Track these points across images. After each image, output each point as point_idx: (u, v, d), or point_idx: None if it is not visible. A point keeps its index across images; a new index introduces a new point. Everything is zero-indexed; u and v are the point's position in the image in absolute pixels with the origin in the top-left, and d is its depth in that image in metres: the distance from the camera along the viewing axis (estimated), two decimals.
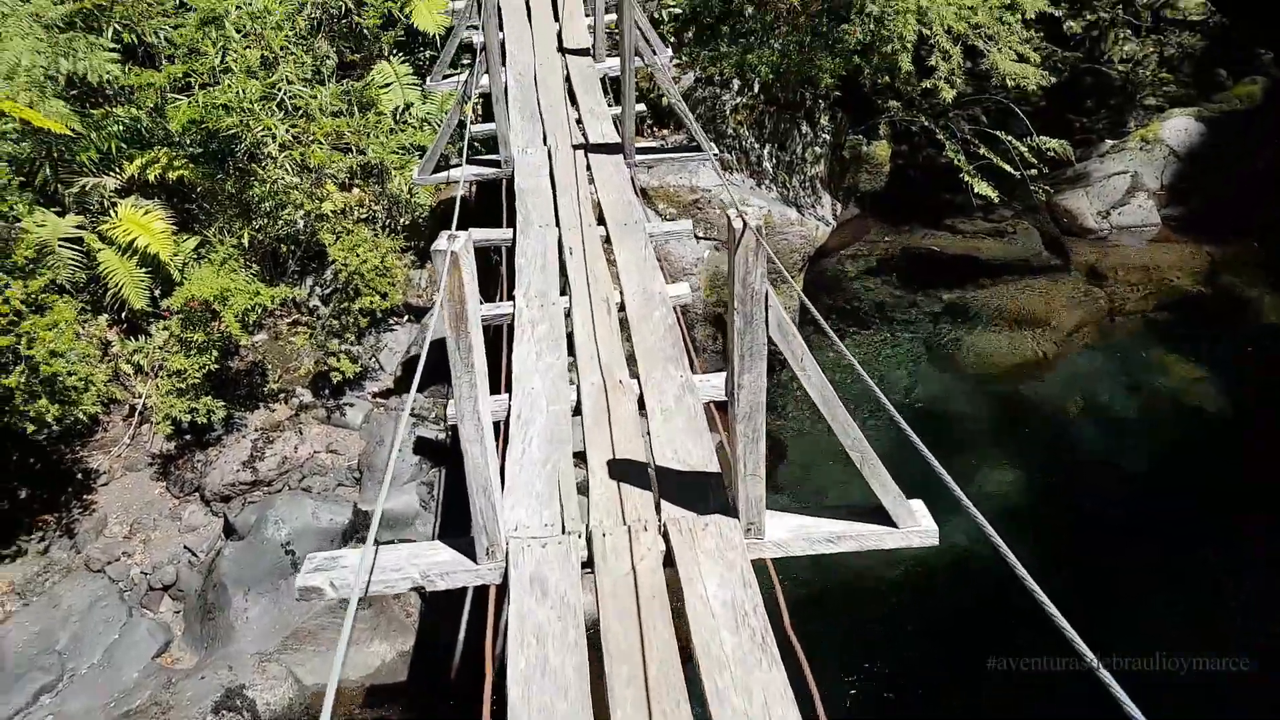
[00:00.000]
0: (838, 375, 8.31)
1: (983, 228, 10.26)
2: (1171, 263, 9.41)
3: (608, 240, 5.50)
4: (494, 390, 4.02)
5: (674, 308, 4.77)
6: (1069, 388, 8.22)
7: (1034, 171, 8.77)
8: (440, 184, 6.48)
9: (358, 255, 6.27)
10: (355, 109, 6.88)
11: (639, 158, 6.52)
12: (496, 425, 3.74)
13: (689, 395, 3.95)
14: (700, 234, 7.73)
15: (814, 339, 8.49)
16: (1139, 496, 6.84)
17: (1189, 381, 8.12)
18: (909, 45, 7.42)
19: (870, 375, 7.99)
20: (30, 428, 5.12)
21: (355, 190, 7.01)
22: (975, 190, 8.33)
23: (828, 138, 8.54)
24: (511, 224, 5.59)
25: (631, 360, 4.36)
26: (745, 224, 2.81)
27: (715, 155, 6.59)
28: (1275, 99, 11.65)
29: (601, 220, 5.66)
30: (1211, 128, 10.75)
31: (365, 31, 6.98)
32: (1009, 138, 8.72)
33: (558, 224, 5.52)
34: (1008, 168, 8.48)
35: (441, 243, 2.70)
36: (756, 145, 8.10)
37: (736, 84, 8.02)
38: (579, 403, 4.00)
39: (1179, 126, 10.70)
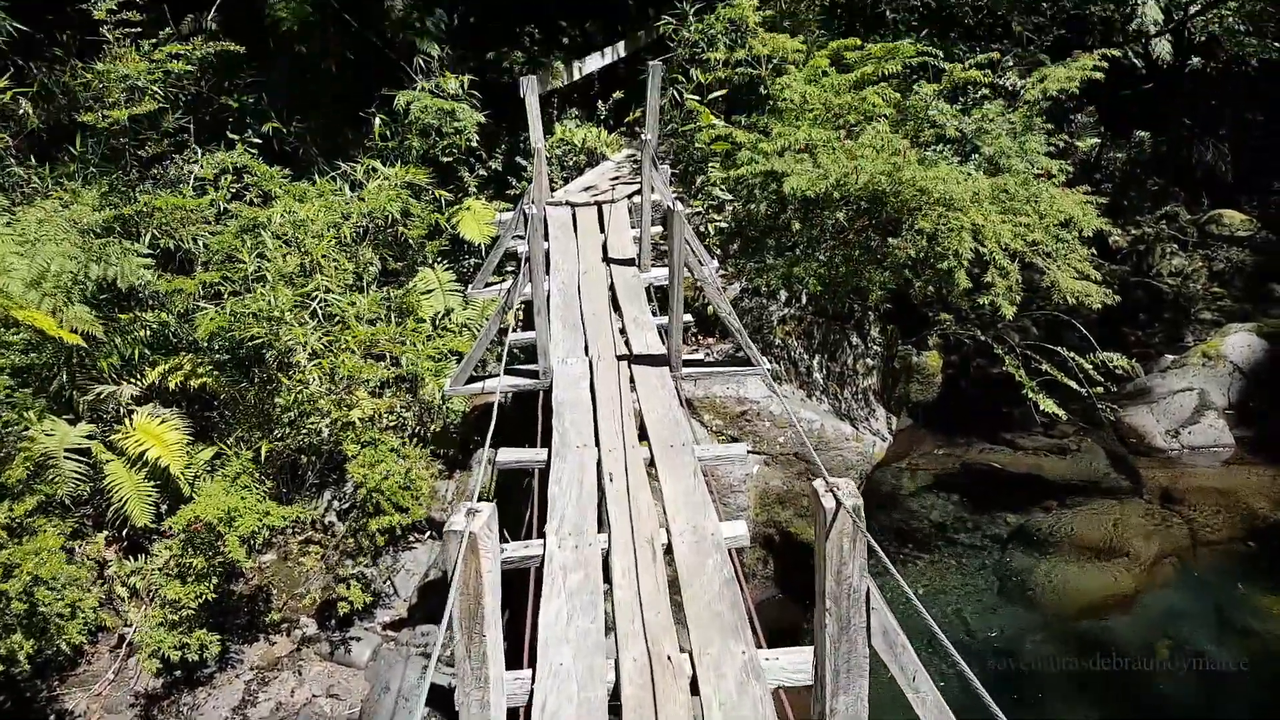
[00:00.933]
0: (901, 606, 7.44)
1: (1044, 444, 9.55)
2: (1252, 488, 8.56)
3: (652, 463, 4.91)
4: (512, 660, 3.29)
5: (730, 552, 4.08)
6: (1155, 628, 7.21)
7: (1100, 389, 8.15)
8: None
9: (379, 472, 5.71)
10: (394, 315, 6.55)
11: (686, 371, 6.04)
12: (514, 714, 2.99)
13: (754, 682, 3.18)
14: (749, 447, 7.12)
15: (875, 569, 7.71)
16: None
17: None
18: (965, 262, 7.04)
19: (942, 607, 7.07)
20: None
21: (386, 396, 6.57)
22: (1041, 407, 7.71)
23: (879, 349, 8.07)
24: (546, 443, 5.04)
25: (681, 622, 3.62)
26: (839, 503, 2.16)
27: (767, 369, 6.08)
28: None
29: (644, 436, 5.10)
30: (1274, 344, 10.18)
31: (410, 241, 6.79)
32: (1070, 353, 8.17)
33: (597, 444, 4.95)
34: (1072, 384, 7.88)
35: (458, 519, 2.10)
36: (805, 356, 7.63)
37: (784, 295, 7.66)
38: (617, 685, 3.24)
39: (1242, 343, 10.13)
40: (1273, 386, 9.92)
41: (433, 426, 6.62)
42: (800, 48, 8.55)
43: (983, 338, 8.26)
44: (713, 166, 7.96)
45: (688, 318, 6.96)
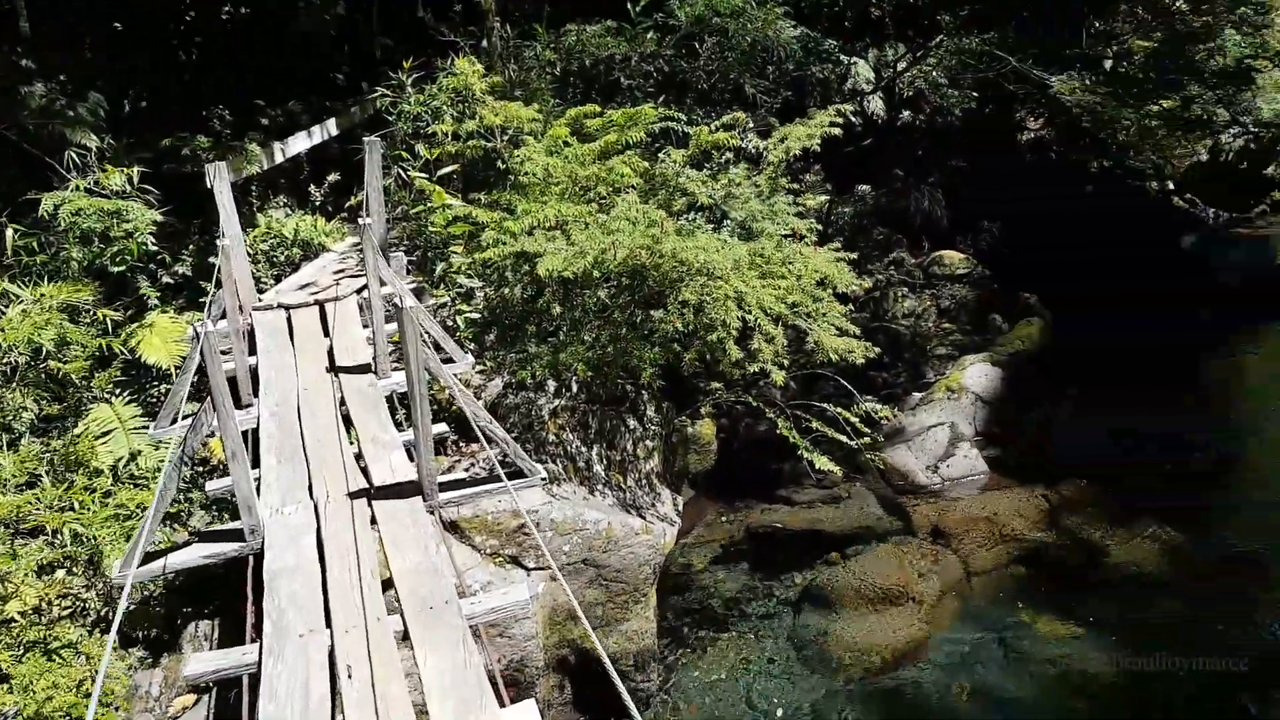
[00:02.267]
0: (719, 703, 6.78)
1: (817, 495, 9.34)
2: (1010, 510, 8.76)
3: (406, 635, 3.80)
4: None
5: None
6: (950, 671, 7.04)
7: (866, 439, 7.98)
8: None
9: (43, 686, 4.15)
10: (58, 471, 4.96)
11: (445, 497, 4.99)
12: None
13: None
14: (531, 564, 6.14)
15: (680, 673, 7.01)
16: None
17: (1063, 640, 7.19)
18: (733, 331, 6.55)
19: (747, 686, 6.39)
20: None
21: (58, 576, 4.95)
22: (816, 465, 7.34)
23: (656, 428, 7.42)
24: (258, 632, 3.78)
25: None
26: None
27: (542, 478, 5.16)
28: (1049, 336, 12.03)
29: (398, 600, 3.99)
30: (1007, 370, 10.72)
31: (72, 377, 5.23)
32: (835, 408, 7.95)
33: (329, 624, 3.77)
34: (842, 437, 7.62)
35: None
36: (584, 448, 6.81)
37: (552, 385, 6.82)
38: None
39: (978, 373, 10.57)
40: (1010, 410, 10.40)
41: (126, 605, 5.08)
42: (536, 116, 7.87)
43: (753, 403, 7.84)
44: (454, 251, 7.01)
45: (441, 428, 5.90)
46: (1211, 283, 13.99)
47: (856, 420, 8.31)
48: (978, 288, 12.58)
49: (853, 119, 10.09)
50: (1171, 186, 17.13)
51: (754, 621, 7.74)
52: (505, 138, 8.23)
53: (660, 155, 8.08)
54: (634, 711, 2.56)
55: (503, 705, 3.45)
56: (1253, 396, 11.13)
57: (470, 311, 6.88)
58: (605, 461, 6.97)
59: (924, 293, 12.66)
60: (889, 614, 7.54)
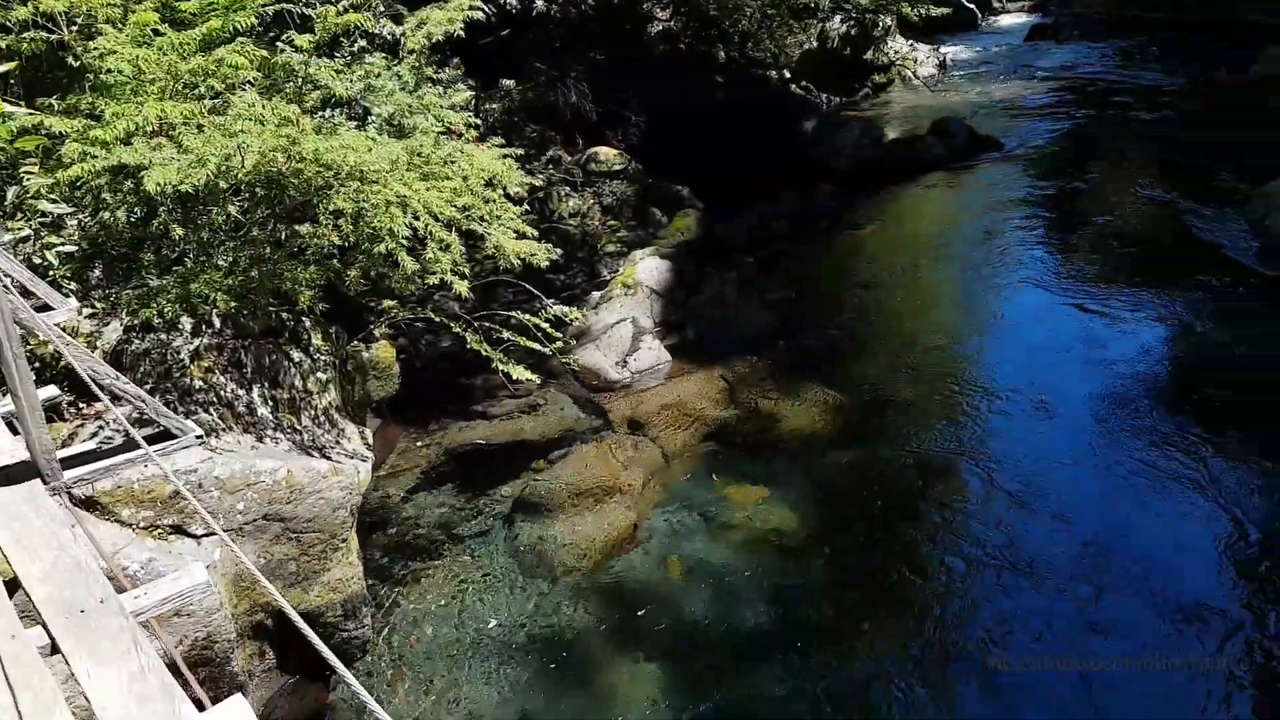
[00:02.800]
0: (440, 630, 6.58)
1: (514, 406, 9.32)
2: (695, 393, 9.38)
3: (54, 648, 3.10)
4: None
5: None
6: (661, 550, 7.47)
7: (559, 344, 8.02)
8: None
9: None
10: None
11: (70, 475, 4.12)
12: None
13: None
14: (200, 531, 5.38)
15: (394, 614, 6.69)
16: (746, 647, 6.31)
17: (755, 504, 7.91)
18: (403, 241, 6.11)
19: (471, 610, 6.31)
20: None
21: None
22: (515, 377, 7.24)
23: (327, 358, 6.79)
24: None
25: None
26: None
27: (196, 435, 4.47)
28: (703, 224, 12.93)
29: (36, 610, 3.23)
30: (673, 261, 11.36)
31: None
32: (525, 315, 7.87)
33: None
34: (535, 345, 7.58)
35: None
36: (241, 391, 6.02)
37: (188, 322, 5.88)
38: None
39: (648, 267, 11.08)
40: (681, 298, 11.09)
41: None
42: (115, 1, 6.55)
43: (435, 318, 7.49)
44: (28, 171, 5.68)
45: (51, 390, 4.86)
46: (827, 165, 15.88)
47: (546, 325, 8.32)
48: (634, 183, 13.10)
49: (486, 9, 9.74)
50: (789, 75, 19.01)
51: (466, 543, 7.59)
52: (74, 28, 6.78)
53: (279, 44, 7.17)
54: (336, 664, 2.33)
55: (202, 708, 2.96)
56: (875, 262, 12.92)
57: (62, 244, 5.67)
58: (271, 403, 6.25)
59: (585, 191, 12.92)
60: (600, 509, 7.79)
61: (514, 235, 6.97)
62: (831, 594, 6.81)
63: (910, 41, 23.57)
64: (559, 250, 7.20)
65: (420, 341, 9.56)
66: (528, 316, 7.99)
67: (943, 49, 24.24)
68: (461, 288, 6.40)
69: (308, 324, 6.53)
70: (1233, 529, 6.90)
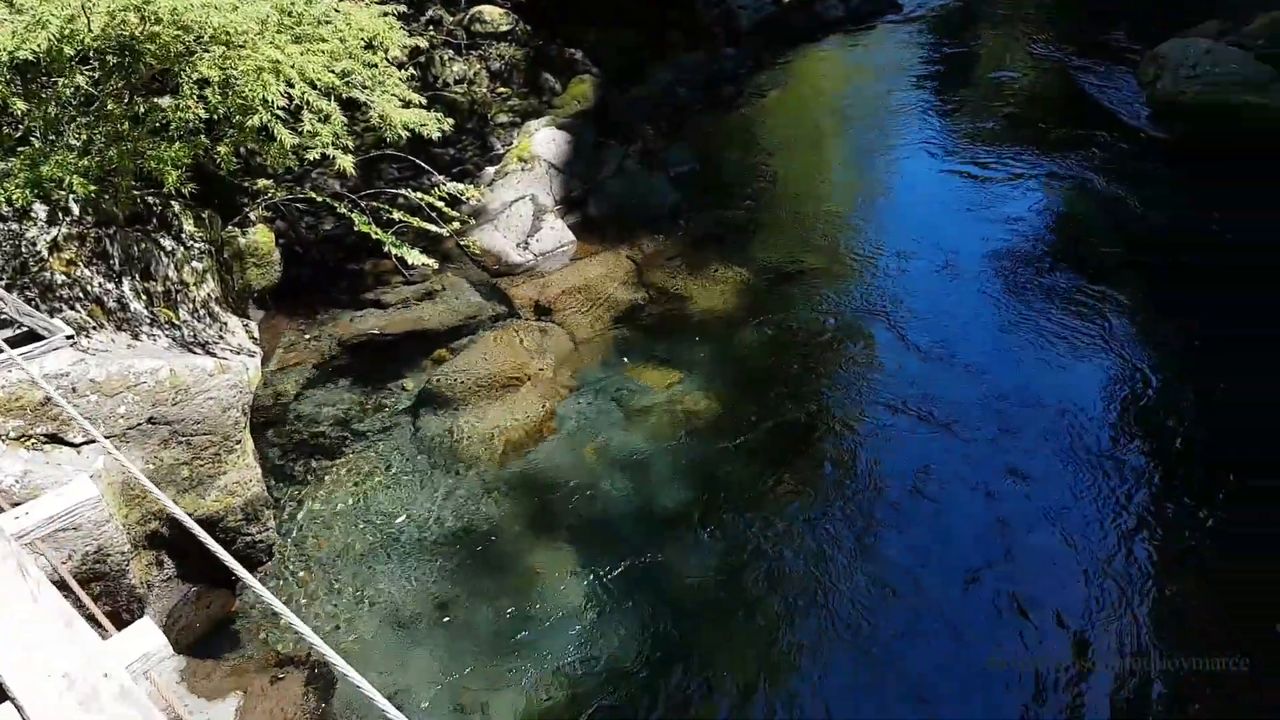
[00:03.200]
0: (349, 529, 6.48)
1: (409, 293, 9.00)
2: (601, 275, 9.25)
3: None
4: None
5: (150, 680, 2.51)
6: (576, 436, 7.47)
7: (456, 224, 7.71)
8: None
9: None
10: None
11: None
12: None
13: None
14: (78, 439, 5.06)
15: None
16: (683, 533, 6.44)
17: (666, 386, 7.97)
18: (277, 112, 5.64)
19: (376, 509, 6.26)
20: None
21: None
22: (409, 261, 6.94)
23: (202, 246, 6.33)
24: None
25: None
26: None
27: (66, 334, 4.12)
28: (601, 92, 12.47)
29: None
30: (571, 132, 10.96)
31: None
32: (417, 193, 7.49)
33: None
34: (431, 227, 7.25)
35: None
36: (110, 285, 5.56)
37: (42, 210, 5.34)
38: None
39: (546, 139, 10.66)
40: (582, 172, 10.77)
41: None
42: None
43: (317, 198, 7.04)
44: None
45: None
46: (728, 26, 15.48)
47: (441, 204, 7.98)
48: (524, 46, 12.46)
49: None
50: None
51: (369, 439, 7.42)
52: None
53: None
54: (239, 570, 2.31)
55: (106, 636, 2.80)
56: (777, 129, 12.83)
57: None
58: (145, 296, 5.81)
59: (470, 55, 12.22)
60: (510, 398, 7.71)
61: (400, 104, 6.53)
62: (747, 463, 6.93)
63: None
64: (449, 120, 6.79)
65: (300, 224, 9.02)
66: (419, 195, 7.62)
67: None
68: (345, 163, 5.99)
69: (177, 208, 6.04)
70: (1128, 378, 7.35)
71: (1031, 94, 13.03)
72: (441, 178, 9.63)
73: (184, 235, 6.00)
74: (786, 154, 11.86)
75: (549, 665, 5.49)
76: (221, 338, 6.06)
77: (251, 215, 7.40)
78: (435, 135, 6.81)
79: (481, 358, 8.06)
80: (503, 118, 11.60)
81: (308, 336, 8.28)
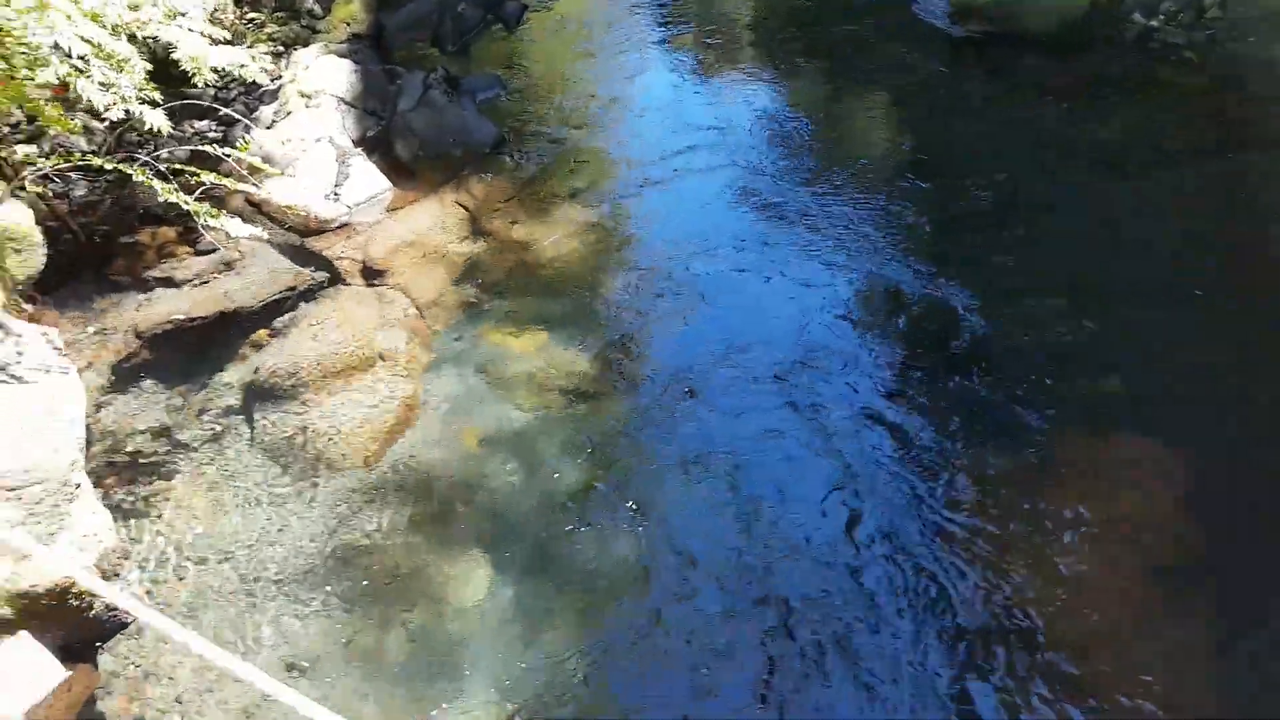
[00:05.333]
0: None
1: (205, 266, 7.95)
2: (431, 225, 8.67)
3: None
4: None
5: None
6: (450, 422, 6.96)
7: (250, 184, 6.85)
8: None
9: None
10: None
11: None
12: None
13: None
14: None
15: None
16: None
17: (540, 348, 7.63)
18: (76, 62, 4.68)
19: (240, 547, 5.68)
20: None
21: None
22: (231, 233, 6.10)
23: None
24: None
25: None
26: None
27: None
28: (373, 12, 11.48)
29: None
30: (352, 59, 10.02)
31: None
32: (223, 149, 6.56)
33: None
34: (247, 187, 6.40)
35: None
36: None
37: None
38: None
39: (326, 69, 9.67)
40: (377, 105, 9.90)
41: None
42: None
43: (108, 164, 5.96)
44: None
45: None
46: None
47: (239, 155, 7.05)
48: None
49: None
50: None
51: (201, 452, 6.57)
52: None
53: None
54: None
55: None
56: (572, 43, 12.48)
57: None
58: None
59: None
60: (360, 382, 7.07)
61: (209, 40, 5.66)
62: (633, 419, 6.89)
63: None
64: (268, 57, 5.98)
65: (67, 202, 7.63)
66: (227, 151, 6.67)
67: None
68: (158, 121, 5.12)
69: None
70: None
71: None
72: (209, 125, 8.55)
73: None
74: (587, 73, 11.61)
75: (481, 685, 5.22)
76: (19, 356, 5.03)
77: (24, 190, 6.15)
78: (254, 77, 5.96)
79: (313, 337, 7.34)
80: (262, 48, 10.34)
81: (91, 331, 7.13)
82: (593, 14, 13.45)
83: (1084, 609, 5.40)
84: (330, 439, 6.66)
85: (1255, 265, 7.73)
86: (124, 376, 6.93)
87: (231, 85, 9.90)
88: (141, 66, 5.12)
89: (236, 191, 6.94)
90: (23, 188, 6.14)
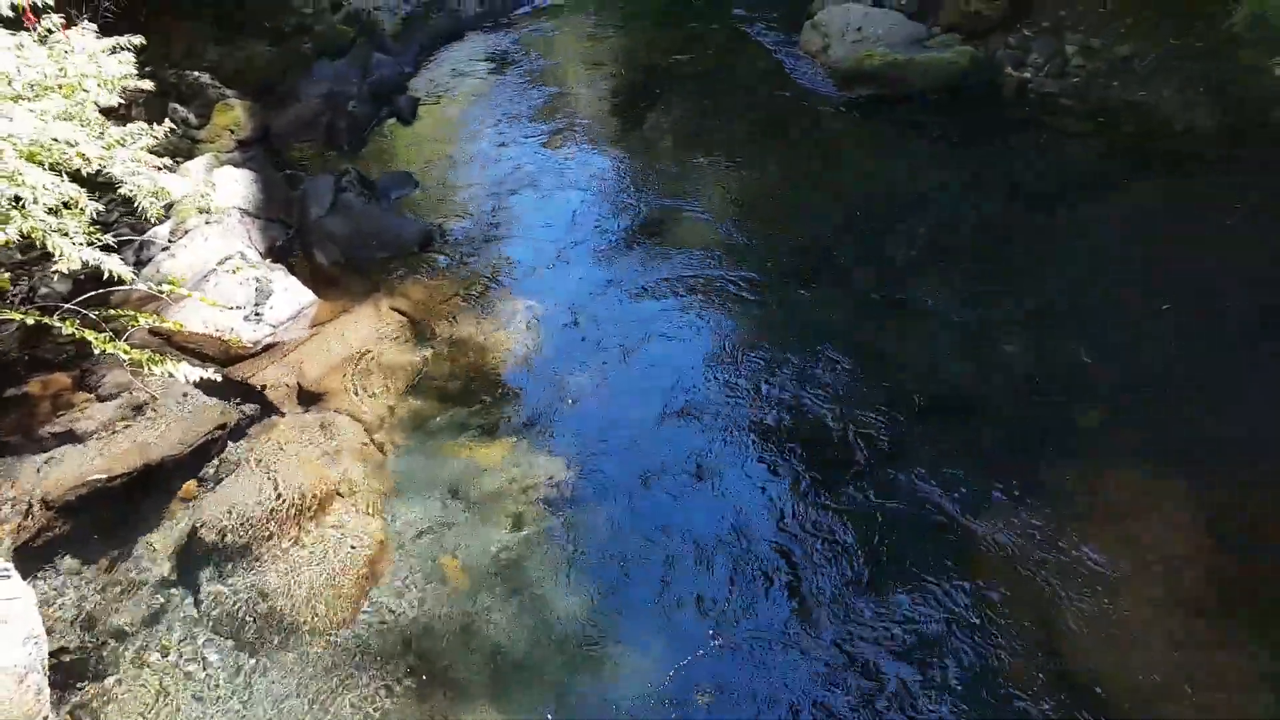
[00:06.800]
0: None
1: (113, 414, 6.65)
2: (368, 336, 7.67)
3: None
4: None
5: None
6: (430, 556, 6.00)
7: (150, 315, 5.77)
8: None
9: None
10: None
11: None
12: None
13: None
14: None
15: None
16: None
17: (508, 456, 6.76)
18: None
19: None
20: None
21: None
22: (180, 378, 5.03)
23: None
24: None
25: None
26: None
27: None
28: (258, 118, 10.45)
29: None
30: (250, 168, 8.96)
31: None
32: (132, 276, 5.43)
33: None
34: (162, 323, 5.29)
35: None
36: None
37: None
38: None
39: (224, 181, 8.58)
40: (279, 211, 8.87)
41: None
42: None
43: (30, 320, 4.81)
44: None
45: None
46: (378, 27, 13.97)
47: (144, 284, 5.94)
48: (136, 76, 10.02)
49: None
50: None
51: (138, 637, 5.33)
52: None
53: None
54: None
55: None
56: (468, 130, 11.76)
57: None
58: None
59: None
60: (320, 526, 6.00)
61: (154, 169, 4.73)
62: (620, 519, 6.13)
63: None
64: (211, 195, 5.10)
65: None
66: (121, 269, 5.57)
67: None
68: (125, 272, 4.15)
69: None
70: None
71: (698, 68, 13.37)
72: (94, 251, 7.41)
73: None
74: (493, 161, 10.91)
75: None
76: None
77: None
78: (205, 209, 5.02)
79: (253, 482, 6.23)
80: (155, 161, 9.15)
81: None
82: (481, 101, 12.80)
83: (1137, 657, 4.97)
84: (293, 601, 5.56)
85: (1210, 277, 7.66)
86: (34, 556, 5.62)
87: (113, 205, 8.71)
88: (92, 207, 4.11)
89: (137, 324, 5.81)
90: None
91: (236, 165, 8.93)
